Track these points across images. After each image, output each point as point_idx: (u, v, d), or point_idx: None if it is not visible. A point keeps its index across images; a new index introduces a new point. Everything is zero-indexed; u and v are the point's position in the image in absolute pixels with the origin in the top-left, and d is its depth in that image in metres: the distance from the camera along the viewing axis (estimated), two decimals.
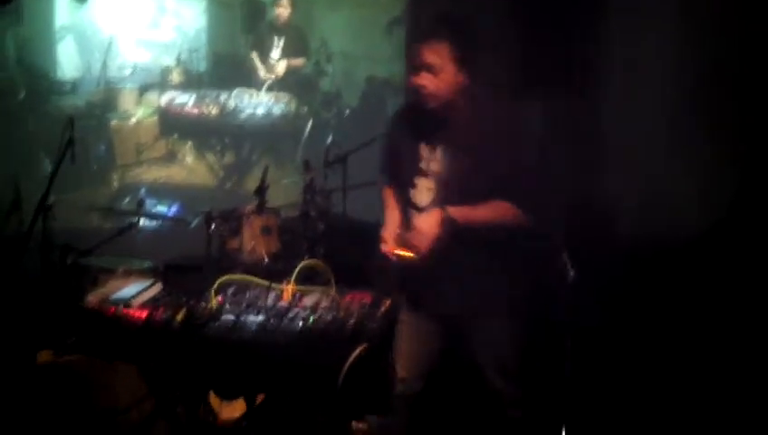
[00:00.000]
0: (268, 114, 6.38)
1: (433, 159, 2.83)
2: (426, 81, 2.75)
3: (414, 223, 2.80)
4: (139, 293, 2.58)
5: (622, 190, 4.19)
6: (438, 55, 2.72)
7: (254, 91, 6.46)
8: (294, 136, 6.33)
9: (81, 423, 3.32)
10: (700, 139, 3.87)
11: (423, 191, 2.85)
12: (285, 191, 4.87)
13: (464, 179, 2.77)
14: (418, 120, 2.87)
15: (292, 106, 6.39)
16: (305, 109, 6.48)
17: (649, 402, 3.48)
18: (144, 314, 2.45)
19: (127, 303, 2.50)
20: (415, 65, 2.79)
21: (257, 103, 6.40)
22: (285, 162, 6.14)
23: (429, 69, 2.74)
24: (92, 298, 2.57)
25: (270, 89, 6.44)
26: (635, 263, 3.83)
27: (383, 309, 2.51)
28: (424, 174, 2.86)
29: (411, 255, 2.70)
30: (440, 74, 2.75)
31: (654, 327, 3.73)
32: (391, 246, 2.79)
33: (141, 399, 3.20)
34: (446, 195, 2.78)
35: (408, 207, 2.92)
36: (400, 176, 2.96)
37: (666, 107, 4.04)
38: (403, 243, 2.75)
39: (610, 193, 4.25)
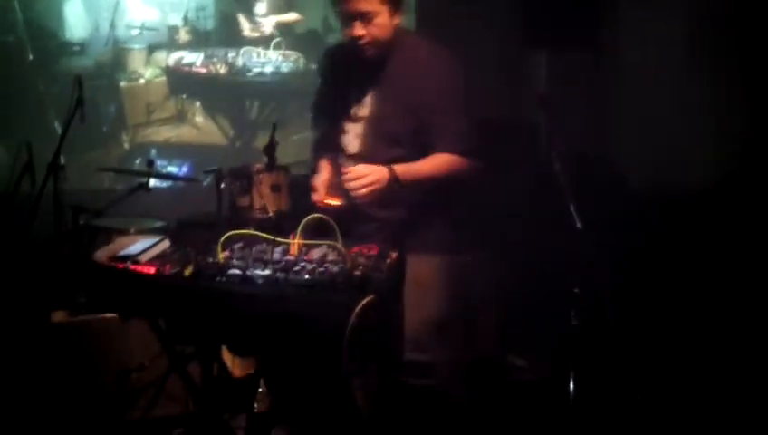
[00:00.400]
0: (277, 72, 6.35)
1: (363, 104, 2.77)
2: (362, 30, 2.67)
3: (358, 176, 2.72)
4: (147, 249, 2.59)
5: (634, 144, 4.16)
6: (369, 1, 2.64)
7: (261, 50, 6.41)
8: (303, 93, 6.28)
9: (95, 382, 3.36)
10: (711, 89, 3.83)
11: (353, 137, 2.80)
12: (295, 149, 4.85)
13: (392, 125, 2.72)
14: (350, 66, 2.80)
15: (301, 63, 6.35)
16: (314, 66, 6.43)
17: (659, 359, 3.48)
18: (153, 270, 2.46)
19: (135, 259, 2.50)
20: (347, 16, 2.70)
21: (265, 61, 6.37)
22: (295, 119, 6.11)
23: (363, 17, 2.66)
24: (101, 255, 2.58)
25: (278, 46, 6.40)
26: (647, 216, 3.82)
27: (390, 260, 2.51)
28: (354, 119, 2.80)
29: (339, 204, 2.68)
30: (375, 20, 2.67)
31: (666, 281, 3.72)
32: (321, 196, 2.76)
33: (155, 357, 3.23)
34: (375, 141, 2.73)
35: (338, 153, 2.87)
36: (331, 121, 2.90)
37: (678, 58, 4.00)
38: (333, 192, 2.72)
39: (622, 147, 4.22)
